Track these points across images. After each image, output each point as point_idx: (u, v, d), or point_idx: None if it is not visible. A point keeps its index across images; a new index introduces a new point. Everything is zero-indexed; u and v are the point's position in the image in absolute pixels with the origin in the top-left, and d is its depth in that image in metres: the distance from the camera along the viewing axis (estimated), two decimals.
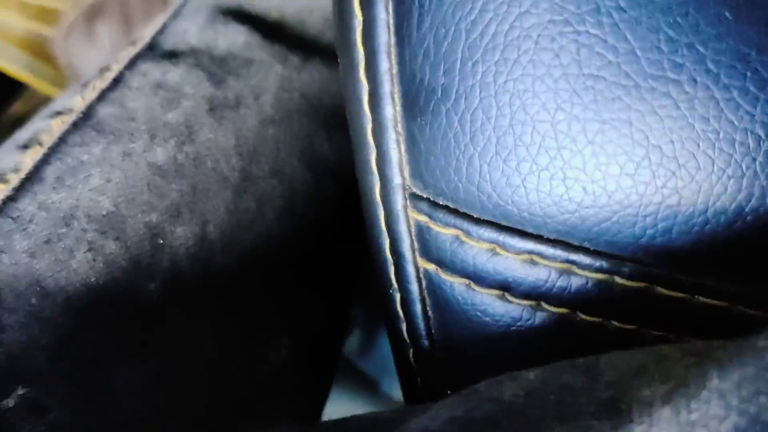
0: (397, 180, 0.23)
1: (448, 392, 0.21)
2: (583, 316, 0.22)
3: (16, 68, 0.65)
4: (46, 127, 0.27)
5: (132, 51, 0.30)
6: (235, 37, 0.30)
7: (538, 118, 0.20)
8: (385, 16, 0.21)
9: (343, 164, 0.31)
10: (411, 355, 0.25)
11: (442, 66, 0.21)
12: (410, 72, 0.21)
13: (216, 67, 0.30)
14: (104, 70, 0.30)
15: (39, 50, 0.65)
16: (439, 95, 0.21)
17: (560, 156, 0.20)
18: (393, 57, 0.22)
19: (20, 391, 0.21)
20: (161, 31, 0.31)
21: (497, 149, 0.21)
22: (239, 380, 0.27)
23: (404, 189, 0.23)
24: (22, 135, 0.28)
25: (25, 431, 0.21)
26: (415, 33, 0.21)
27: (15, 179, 0.26)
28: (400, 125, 0.22)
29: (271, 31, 0.31)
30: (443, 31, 0.20)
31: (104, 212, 0.25)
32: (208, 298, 0.27)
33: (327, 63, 0.32)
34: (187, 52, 0.30)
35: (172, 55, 0.30)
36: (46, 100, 0.68)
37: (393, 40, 0.21)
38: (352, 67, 0.22)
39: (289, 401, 0.29)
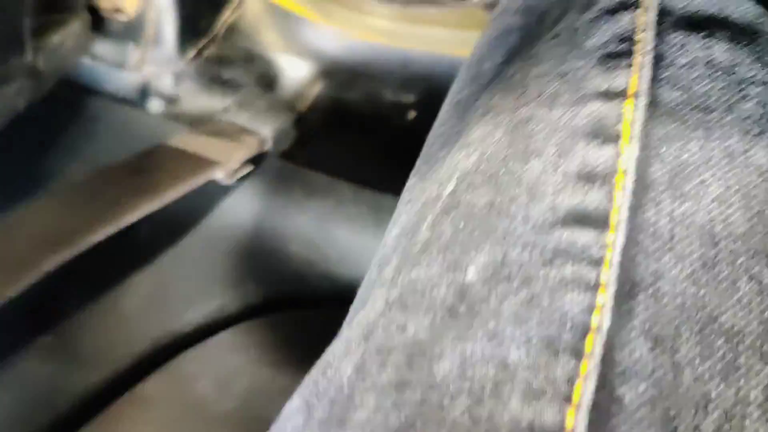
0: None
1: None
2: None
3: None
4: (613, 114, 0.23)
5: (644, 17, 0.26)
6: (745, 6, 0.26)
7: None
8: None
9: None
10: None
11: None
12: None
13: (750, 42, 0.25)
14: (622, 39, 0.25)
15: None
16: None
17: None
18: None
19: None
20: None
21: None
22: None
23: None
24: (579, 120, 0.24)
25: None
26: None
27: (622, 180, 0.21)
28: None
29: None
30: None
31: (742, 230, 0.21)
32: None
33: None
34: (708, 21, 0.26)
35: (697, 26, 0.25)
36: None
37: None
38: None
39: None
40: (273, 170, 0.65)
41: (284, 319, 0.57)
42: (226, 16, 0.75)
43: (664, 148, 0.22)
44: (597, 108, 0.24)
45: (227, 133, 0.63)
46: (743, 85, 0.24)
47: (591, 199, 0.21)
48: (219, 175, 0.58)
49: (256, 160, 0.63)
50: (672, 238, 0.20)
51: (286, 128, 0.68)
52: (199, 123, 0.66)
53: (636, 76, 0.24)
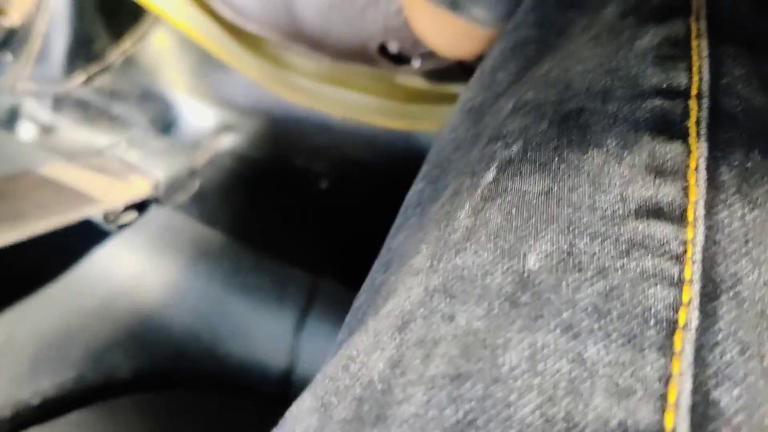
0: None
1: None
2: None
3: None
4: (678, 111, 0.22)
5: (696, 24, 0.25)
6: None
7: None
8: None
9: None
10: None
11: None
12: None
13: None
14: (676, 43, 0.25)
15: None
16: None
17: None
18: None
19: None
20: (709, 4, 0.26)
21: None
22: None
23: None
24: (640, 114, 0.23)
25: None
26: None
27: (695, 177, 0.21)
28: None
29: None
30: None
31: None
32: None
33: None
34: (755, 38, 0.25)
35: (746, 41, 0.25)
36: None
37: None
38: None
39: None
40: (162, 222, 0.55)
41: (156, 400, 0.46)
42: (127, 46, 0.66)
43: (729, 152, 0.22)
44: (659, 104, 0.23)
45: (112, 170, 0.53)
46: None
47: (664, 192, 0.21)
48: (96, 214, 0.47)
49: (143, 207, 0.53)
50: (747, 242, 0.20)
51: (182, 176, 0.58)
52: (78, 156, 0.56)
53: (697, 78, 0.24)
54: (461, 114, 0.32)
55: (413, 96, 0.67)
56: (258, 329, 0.52)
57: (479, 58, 0.58)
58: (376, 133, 0.67)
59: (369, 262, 0.30)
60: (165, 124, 0.65)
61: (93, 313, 0.48)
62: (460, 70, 0.65)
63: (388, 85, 0.67)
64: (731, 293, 0.19)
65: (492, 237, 0.21)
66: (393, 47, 0.63)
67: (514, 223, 0.22)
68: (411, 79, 0.67)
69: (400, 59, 0.65)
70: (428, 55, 0.63)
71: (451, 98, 0.66)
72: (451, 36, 0.52)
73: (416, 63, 0.64)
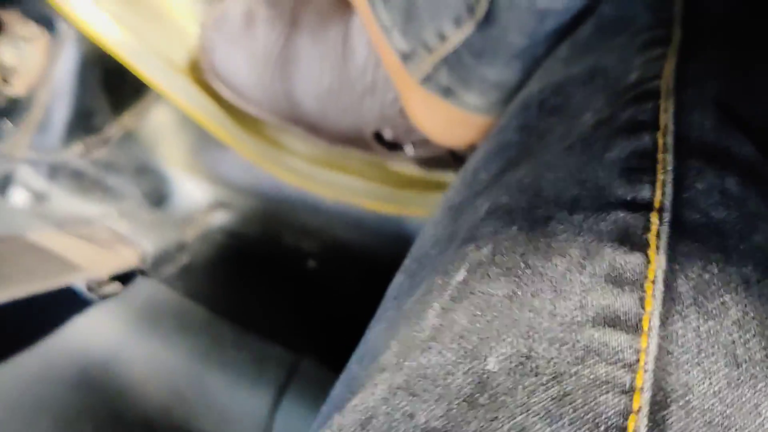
0: None
1: None
2: None
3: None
4: (640, 224, 0.24)
5: (663, 139, 0.27)
6: (747, 148, 0.27)
7: None
8: None
9: None
10: None
11: None
12: None
13: (755, 180, 0.26)
14: (643, 156, 0.26)
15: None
16: None
17: None
18: None
19: None
20: (677, 119, 0.28)
21: None
22: None
23: None
24: (604, 225, 0.24)
25: None
26: None
27: (651, 288, 0.22)
28: None
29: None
30: None
31: (759, 356, 0.21)
32: None
33: None
34: (719, 153, 0.27)
35: (710, 156, 0.26)
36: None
37: None
38: None
39: None
40: (146, 294, 0.55)
41: None
42: (127, 120, 0.67)
43: (687, 265, 0.22)
44: (622, 216, 0.24)
45: (100, 239, 0.53)
46: (754, 219, 0.25)
47: (622, 302, 0.22)
48: (79, 282, 0.48)
49: (128, 278, 0.54)
50: (699, 353, 0.20)
51: (171, 250, 0.59)
52: (68, 224, 0.56)
53: (660, 192, 0.25)
54: (443, 211, 0.33)
55: (405, 182, 0.68)
56: (233, 407, 0.51)
57: (471, 147, 0.59)
58: (367, 216, 0.67)
59: (351, 342, 0.30)
60: (158, 197, 0.65)
61: (66, 383, 0.47)
62: (452, 159, 0.66)
63: (381, 170, 0.68)
64: (681, 402, 0.19)
65: (457, 338, 0.22)
66: (387, 134, 0.64)
67: (478, 325, 0.22)
68: (403, 165, 0.68)
69: (394, 146, 0.65)
70: (421, 142, 0.64)
71: (442, 185, 0.67)
72: (445, 123, 0.53)
73: (409, 150, 0.65)
